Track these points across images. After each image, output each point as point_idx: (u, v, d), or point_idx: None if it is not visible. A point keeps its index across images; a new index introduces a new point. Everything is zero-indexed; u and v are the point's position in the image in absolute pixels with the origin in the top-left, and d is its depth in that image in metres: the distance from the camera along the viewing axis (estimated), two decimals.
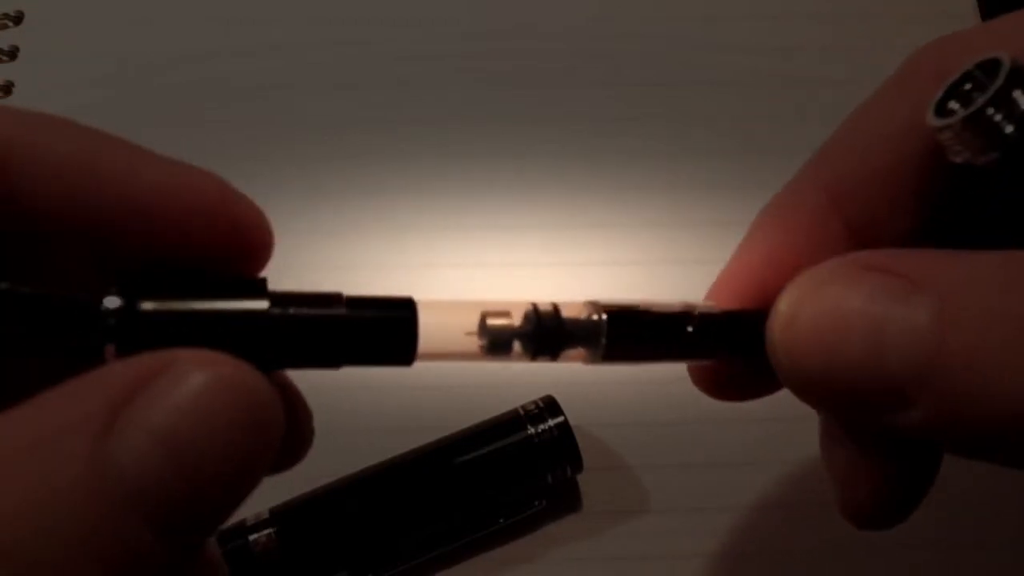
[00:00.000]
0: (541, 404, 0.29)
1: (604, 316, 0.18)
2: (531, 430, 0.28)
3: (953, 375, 0.15)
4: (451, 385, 0.32)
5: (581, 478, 0.29)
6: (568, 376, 0.31)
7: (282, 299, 0.16)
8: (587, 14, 0.40)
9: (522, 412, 0.29)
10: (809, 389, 0.17)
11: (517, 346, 0.18)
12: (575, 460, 0.28)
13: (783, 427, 0.31)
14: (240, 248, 0.17)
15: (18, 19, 0.41)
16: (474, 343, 0.18)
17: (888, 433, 0.17)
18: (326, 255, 0.34)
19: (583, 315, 0.18)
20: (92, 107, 0.38)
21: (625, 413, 0.31)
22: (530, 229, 0.35)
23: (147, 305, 0.15)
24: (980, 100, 0.17)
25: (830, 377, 0.16)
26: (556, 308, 0.18)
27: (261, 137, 0.37)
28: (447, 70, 0.39)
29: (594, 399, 0.31)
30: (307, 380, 0.32)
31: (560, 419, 0.28)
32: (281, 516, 0.28)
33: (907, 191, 0.19)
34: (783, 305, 0.17)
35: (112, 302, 0.15)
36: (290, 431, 0.18)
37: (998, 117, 0.17)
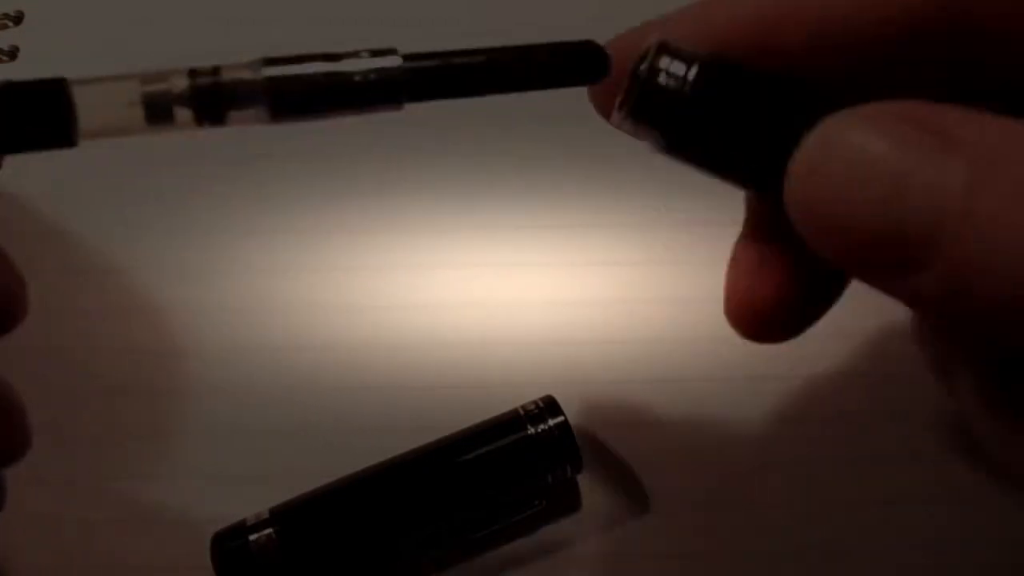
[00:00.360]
0: (541, 404, 0.29)
1: (264, 70, 0.17)
2: (531, 430, 0.28)
3: (973, 243, 0.15)
4: (451, 385, 0.32)
5: (581, 478, 0.29)
6: (568, 376, 0.31)
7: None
8: (587, 14, 0.40)
9: (522, 412, 0.29)
10: (823, 237, 0.17)
11: (183, 115, 0.17)
12: (575, 460, 0.28)
13: (784, 428, 0.31)
14: None
15: (18, 19, 0.41)
16: (136, 115, 0.17)
17: (896, 298, 0.17)
18: (327, 255, 0.34)
19: (247, 74, 0.17)
20: None
21: (625, 413, 0.31)
22: (531, 229, 0.35)
23: None
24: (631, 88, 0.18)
25: (846, 225, 0.16)
26: (216, 68, 0.17)
27: (261, 137, 0.37)
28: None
29: (594, 399, 0.31)
30: (307, 380, 0.32)
31: (560, 419, 0.28)
32: (281, 516, 0.28)
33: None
34: (806, 146, 0.17)
35: None
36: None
37: (656, 91, 0.18)
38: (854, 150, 0.16)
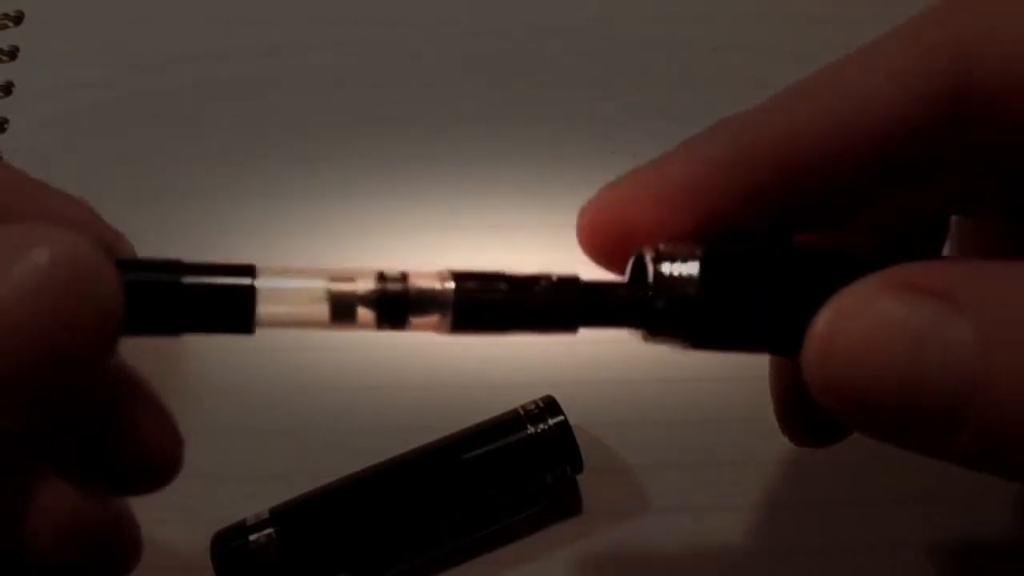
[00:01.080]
0: (541, 404, 0.29)
1: (451, 283, 0.18)
2: (531, 430, 0.28)
3: (1000, 397, 0.15)
4: (451, 385, 0.32)
5: (581, 478, 0.29)
6: (568, 376, 0.31)
7: (119, 265, 0.16)
8: (587, 14, 0.40)
9: (522, 412, 0.29)
10: (848, 411, 0.17)
11: (365, 314, 0.17)
12: (575, 460, 0.28)
13: None
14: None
15: (18, 19, 0.41)
16: (320, 310, 0.17)
17: (935, 458, 0.17)
18: (326, 255, 0.34)
19: (433, 283, 0.18)
20: (92, 107, 0.38)
21: (625, 413, 0.31)
22: (531, 228, 0.35)
23: None
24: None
25: (869, 399, 0.16)
26: (404, 275, 0.18)
27: (261, 137, 0.37)
28: (447, 69, 0.39)
29: (594, 399, 0.31)
30: (307, 380, 0.32)
31: (560, 419, 0.28)
32: (281, 516, 0.28)
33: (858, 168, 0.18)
34: (820, 324, 0.17)
35: None
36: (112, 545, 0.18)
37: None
38: (867, 323, 0.16)
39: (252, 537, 0.27)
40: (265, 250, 0.34)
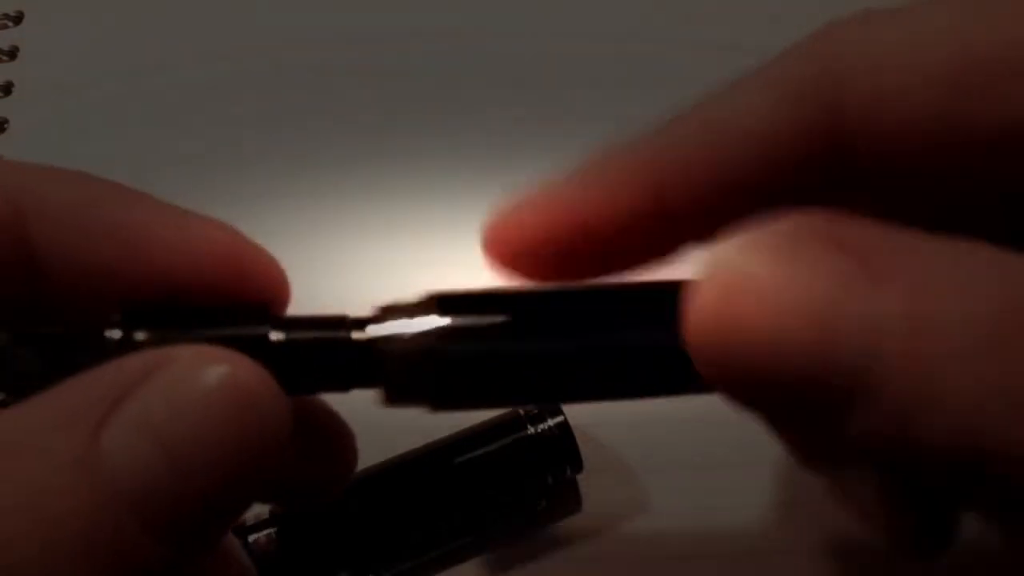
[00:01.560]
0: None
1: None
2: (531, 430, 0.28)
3: (919, 385, 0.13)
4: None
5: (581, 478, 0.29)
6: None
7: (286, 323, 0.16)
8: (587, 17, 0.40)
9: (522, 412, 0.29)
10: (738, 387, 0.15)
11: None
12: (575, 460, 0.28)
13: None
14: (254, 298, 0.17)
15: (18, 19, 0.41)
16: None
17: (829, 442, 0.15)
18: (326, 255, 0.34)
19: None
20: (92, 107, 0.38)
21: (625, 413, 0.31)
22: None
23: (141, 335, 0.15)
24: None
25: (765, 374, 0.14)
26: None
27: (261, 137, 0.37)
28: (447, 70, 0.39)
29: None
30: None
31: (560, 419, 0.28)
32: (281, 516, 0.28)
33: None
34: (704, 293, 0.14)
35: (114, 333, 0.15)
36: (324, 452, 0.18)
37: None
38: (768, 283, 0.14)
39: (252, 537, 0.27)
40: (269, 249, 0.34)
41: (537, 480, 0.28)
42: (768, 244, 0.14)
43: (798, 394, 0.14)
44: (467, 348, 0.16)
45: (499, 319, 0.16)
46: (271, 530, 0.27)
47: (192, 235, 0.17)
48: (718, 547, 0.29)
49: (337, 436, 0.19)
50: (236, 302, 0.17)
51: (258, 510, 0.28)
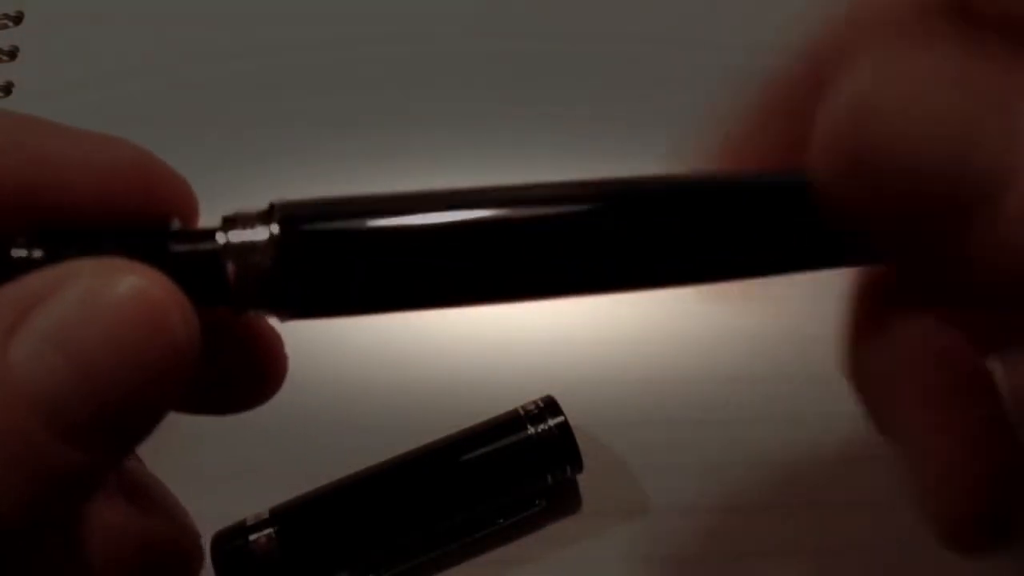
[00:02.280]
0: (541, 404, 0.29)
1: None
2: (531, 430, 0.28)
3: None
4: (451, 385, 0.32)
5: (581, 478, 0.29)
6: (568, 376, 0.31)
7: (186, 236, 0.16)
8: (586, 14, 0.40)
9: (522, 412, 0.29)
10: (884, 186, 0.14)
11: None
12: (575, 460, 0.28)
13: (784, 427, 0.31)
14: (163, 212, 0.17)
15: (18, 19, 0.41)
16: None
17: (943, 270, 0.15)
18: None
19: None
20: (92, 107, 0.38)
21: (625, 413, 0.31)
22: None
23: (44, 252, 0.15)
24: None
25: (913, 170, 0.14)
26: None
27: (262, 137, 0.37)
28: (447, 71, 0.39)
29: (594, 399, 0.31)
30: (307, 380, 0.32)
31: (560, 419, 0.28)
32: (281, 516, 0.28)
33: None
34: (857, 79, 0.14)
35: (20, 252, 0.15)
36: (252, 365, 0.18)
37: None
38: (921, 76, 0.14)
39: (252, 537, 0.27)
40: None
41: (537, 480, 0.28)
42: (917, 59, 0.14)
43: (938, 191, 0.14)
44: (299, 257, 0.16)
45: (335, 226, 0.16)
46: (271, 530, 0.27)
47: (95, 152, 0.17)
48: (718, 547, 0.29)
49: (264, 340, 0.18)
50: (140, 217, 0.17)
51: (258, 510, 0.28)
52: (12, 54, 0.40)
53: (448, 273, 0.16)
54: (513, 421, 0.29)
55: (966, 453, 0.16)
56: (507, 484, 0.28)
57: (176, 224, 0.16)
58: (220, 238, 0.16)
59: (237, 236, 0.16)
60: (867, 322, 0.18)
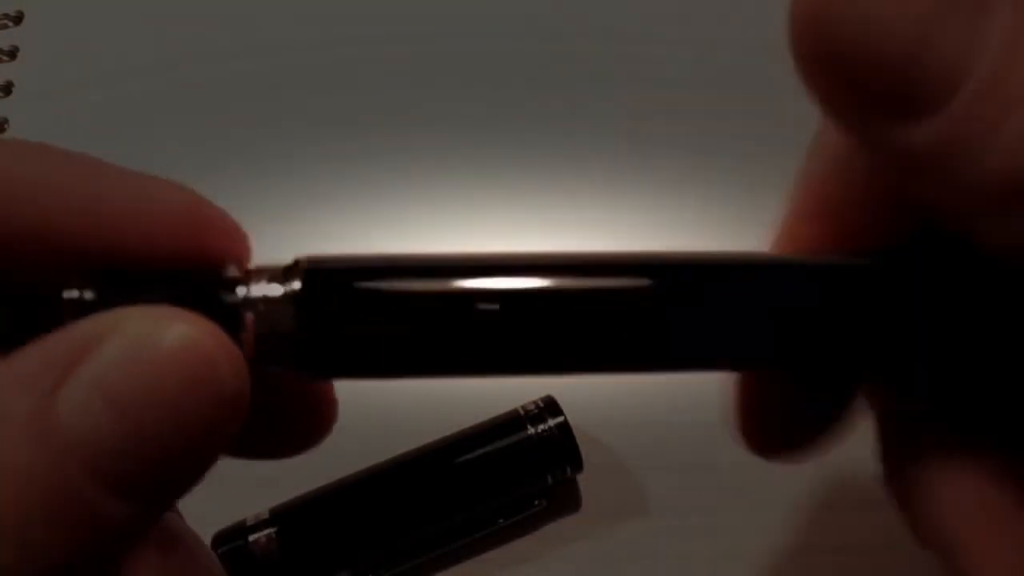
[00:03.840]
0: (541, 404, 0.29)
1: None
2: (531, 430, 0.28)
3: (987, 109, 0.13)
4: (451, 385, 0.31)
5: (581, 478, 0.29)
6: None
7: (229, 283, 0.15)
8: (591, 14, 0.40)
9: (522, 412, 0.29)
10: (826, 66, 0.15)
11: None
12: (575, 460, 0.28)
13: None
14: (216, 258, 0.17)
15: (18, 19, 0.41)
16: None
17: (873, 146, 0.15)
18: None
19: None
20: (92, 107, 0.38)
21: (625, 413, 0.31)
22: (532, 226, 0.35)
23: (95, 294, 0.15)
24: None
25: (860, 56, 0.14)
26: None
27: (262, 137, 0.37)
28: (448, 71, 0.39)
29: (594, 399, 0.31)
30: None
31: (560, 419, 0.28)
32: (281, 516, 0.28)
33: None
34: None
35: (71, 294, 0.15)
36: (301, 412, 0.17)
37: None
38: None
39: (252, 537, 0.27)
40: (264, 250, 0.34)
41: (537, 480, 0.28)
42: None
43: (889, 83, 0.14)
44: (318, 316, 0.15)
45: (356, 289, 0.15)
46: (271, 530, 0.27)
47: (147, 197, 0.17)
48: (718, 547, 0.29)
49: (313, 394, 0.18)
50: (192, 263, 0.16)
51: (258, 510, 0.28)
52: (12, 54, 0.40)
53: (471, 344, 0.16)
54: (513, 421, 0.29)
55: None
56: (507, 484, 0.28)
57: (232, 271, 0.16)
58: (240, 291, 0.15)
59: (259, 290, 0.15)
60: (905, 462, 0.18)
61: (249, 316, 0.15)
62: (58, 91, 0.38)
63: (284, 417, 0.18)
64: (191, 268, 0.16)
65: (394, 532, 0.28)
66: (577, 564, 0.29)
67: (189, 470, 0.14)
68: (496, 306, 0.15)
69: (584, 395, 0.30)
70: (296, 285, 0.15)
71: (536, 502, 0.29)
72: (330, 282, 0.15)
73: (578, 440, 0.28)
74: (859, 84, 0.14)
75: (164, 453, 0.14)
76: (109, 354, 0.14)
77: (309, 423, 0.18)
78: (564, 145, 0.37)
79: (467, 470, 0.28)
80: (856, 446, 0.26)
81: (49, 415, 0.13)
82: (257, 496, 0.28)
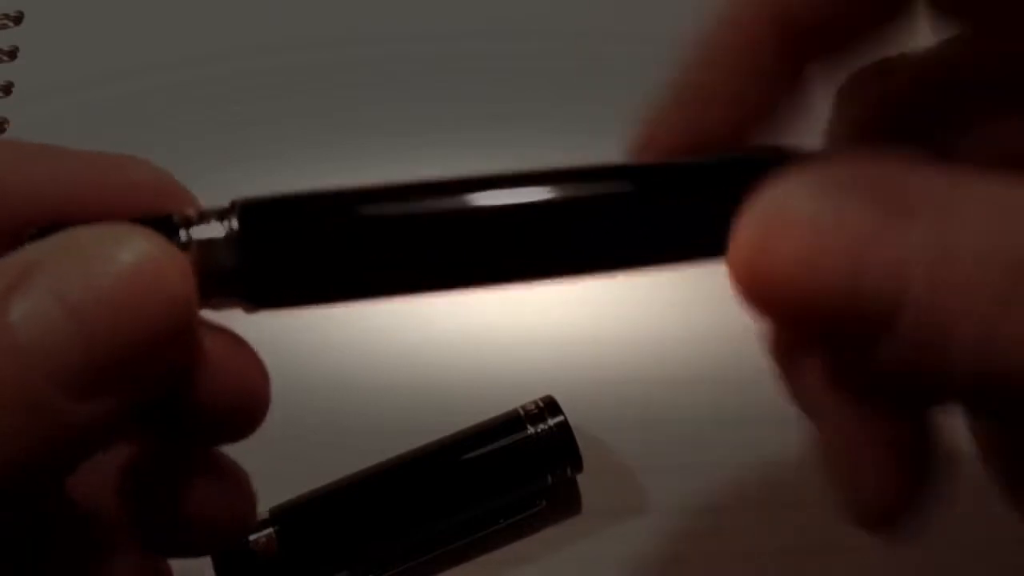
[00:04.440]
0: (541, 404, 0.29)
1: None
2: (531, 430, 0.28)
3: (939, 315, 0.14)
4: (451, 385, 0.32)
5: (581, 478, 0.29)
6: (568, 376, 0.31)
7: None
8: (589, 16, 0.40)
9: (522, 412, 0.29)
10: (776, 315, 0.16)
11: None
12: (575, 460, 0.28)
13: (783, 428, 0.31)
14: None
15: (18, 19, 0.41)
16: None
17: (862, 374, 0.16)
18: None
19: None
20: (92, 107, 0.38)
21: (625, 413, 0.31)
22: None
23: None
24: None
25: (807, 306, 0.15)
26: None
27: (262, 137, 0.37)
28: (449, 72, 0.39)
29: (594, 399, 0.31)
30: (307, 381, 0.32)
31: (560, 419, 0.28)
32: (281, 516, 0.28)
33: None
34: (747, 229, 0.15)
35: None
36: (235, 390, 0.18)
37: None
38: (805, 222, 0.15)
39: (252, 537, 0.27)
40: None
41: (537, 480, 0.28)
42: (807, 184, 0.15)
43: (833, 323, 0.15)
44: (256, 249, 0.16)
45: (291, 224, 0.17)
46: (271, 530, 0.27)
47: (111, 173, 0.17)
48: (718, 547, 0.29)
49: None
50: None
51: (258, 510, 0.28)
52: (12, 54, 0.40)
53: (392, 263, 0.17)
54: (513, 421, 0.29)
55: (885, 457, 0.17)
56: (507, 484, 0.28)
57: (175, 218, 0.17)
58: (182, 235, 0.16)
59: (199, 233, 0.16)
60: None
61: (192, 253, 0.16)
62: (58, 91, 0.38)
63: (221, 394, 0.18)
64: (138, 218, 0.16)
65: (394, 532, 0.28)
66: (577, 564, 0.29)
67: (144, 373, 0.15)
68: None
69: (584, 395, 0.30)
70: (234, 223, 0.16)
71: (536, 502, 0.29)
72: (264, 215, 0.16)
73: (578, 440, 0.28)
74: (809, 324, 0.15)
75: (118, 352, 0.14)
76: (65, 263, 0.14)
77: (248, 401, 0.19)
78: (568, 147, 0.37)
79: (467, 470, 0.28)
80: None
81: (4, 320, 0.14)
82: (257, 496, 0.28)
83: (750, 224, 0.15)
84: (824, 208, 0.15)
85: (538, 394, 0.29)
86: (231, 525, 0.19)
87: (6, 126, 0.38)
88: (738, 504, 0.30)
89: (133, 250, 0.14)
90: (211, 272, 0.16)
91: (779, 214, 0.15)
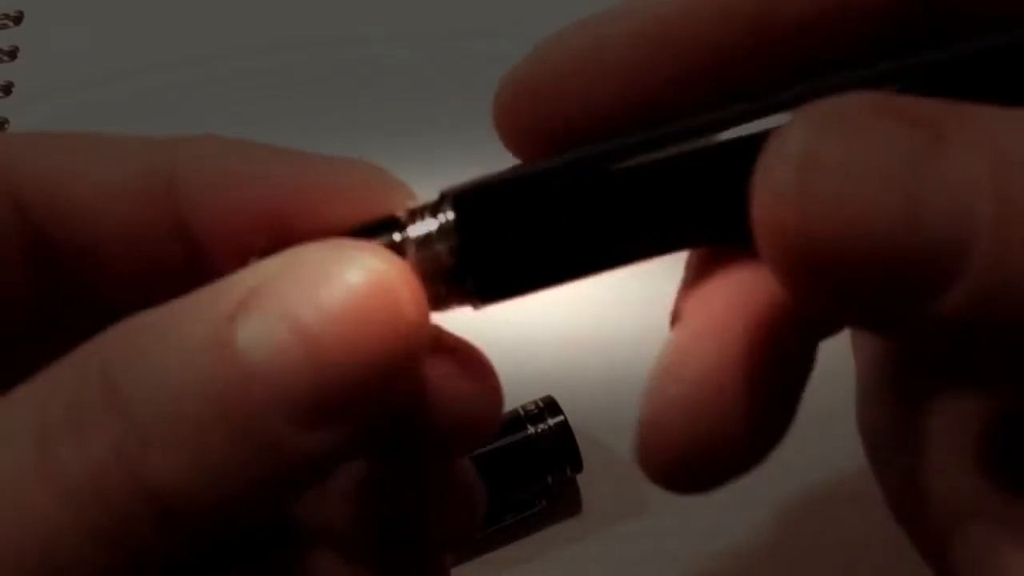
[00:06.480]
0: (541, 404, 0.29)
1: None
2: (531, 430, 0.28)
3: (1013, 246, 0.12)
4: None
5: (581, 478, 0.29)
6: (568, 376, 0.31)
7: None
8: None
9: (522, 412, 0.29)
10: (826, 279, 0.13)
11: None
12: (575, 460, 0.28)
13: None
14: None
15: (18, 19, 0.41)
16: None
17: (902, 329, 0.13)
18: None
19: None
20: (92, 107, 0.38)
21: (625, 413, 0.31)
22: None
23: None
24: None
25: (859, 248, 0.12)
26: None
27: (262, 137, 0.37)
28: (449, 72, 0.39)
29: (594, 399, 0.31)
30: None
31: (560, 419, 0.28)
32: None
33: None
34: (774, 171, 0.13)
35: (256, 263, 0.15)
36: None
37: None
38: (844, 162, 0.12)
39: None
40: None
41: (537, 480, 0.28)
42: (835, 122, 0.13)
43: (889, 271, 0.12)
44: (479, 239, 0.15)
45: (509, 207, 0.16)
46: None
47: (334, 176, 0.17)
48: (718, 547, 0.29)
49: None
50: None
51: None
52: (12, 54, 0.40)
53: (610, 231, 0.16)
54: (513, 421, 0.29)
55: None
56: (507, 484, 0.28)
57: (403, 215, 0.16)
58: (396, 236, 0.15)
59: (414, 230, 0.15)
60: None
61: (411, 256, 0.15)
62: (58, 91, 0.38)
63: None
64: (360, 227, 0.16)
65: None
66: (577, 564, 0.29)
67: (374, 401, 0.14)
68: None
69: (584, 395, 0.30)
70: (449, 215, 0.15)
71: (536, 502, 0.29)
72: (483, 202, 0.16)
73: (578, 440, 0.28)
74: (860, 286, 0.13)
75: (351, 381, 0.13)
76: (294, 285, 0.13)
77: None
78: None
79: None
80: (854, 445, 0.26)
81: (225, 340, 0.13)
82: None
83: (776, 165, 0.13)
84: (863, 142, 0.12)
85: (538, 394, 0.29)
86: (456, 539, 0.18)
87: (6, 126, 0.38)
88: (737, 504, 0.30)
89: (363, 269, 0.13)
90: (433, 273, 0.15)
91: (812, 148, 0.12)
